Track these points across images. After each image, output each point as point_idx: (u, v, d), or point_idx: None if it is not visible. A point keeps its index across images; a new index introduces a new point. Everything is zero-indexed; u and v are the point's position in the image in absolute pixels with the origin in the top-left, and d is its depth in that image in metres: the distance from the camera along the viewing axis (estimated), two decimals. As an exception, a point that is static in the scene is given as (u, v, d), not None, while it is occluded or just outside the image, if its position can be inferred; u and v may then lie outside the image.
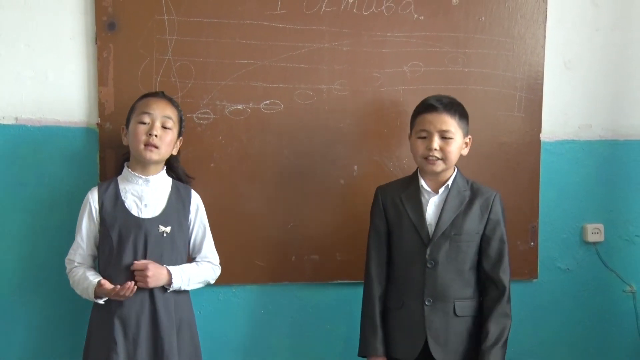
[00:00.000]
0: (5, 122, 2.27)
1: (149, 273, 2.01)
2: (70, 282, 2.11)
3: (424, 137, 2.11)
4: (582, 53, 2.57)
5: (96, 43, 2.28)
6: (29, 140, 2.28)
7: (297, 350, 2.48)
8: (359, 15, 2.40)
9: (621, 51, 2.59)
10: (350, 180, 2.42)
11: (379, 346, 2.14)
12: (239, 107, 2.36)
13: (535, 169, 2.53)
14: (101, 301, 2.02)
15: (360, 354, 2.19)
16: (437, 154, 2.09)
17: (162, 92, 2.20)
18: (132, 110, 2.14)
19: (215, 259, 2.24)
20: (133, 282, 1.98)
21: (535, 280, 2.57)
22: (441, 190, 2.14)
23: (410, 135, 2.19)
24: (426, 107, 2.13)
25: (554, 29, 2.52)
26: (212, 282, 2.23)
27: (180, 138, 2.19)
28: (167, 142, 2.10)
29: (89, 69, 2.29)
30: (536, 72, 2.51)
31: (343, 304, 2.46)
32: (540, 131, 2.53)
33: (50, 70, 2.28)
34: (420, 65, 2.44)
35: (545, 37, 2.50)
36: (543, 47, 2.50)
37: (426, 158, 2.10)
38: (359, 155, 2.43)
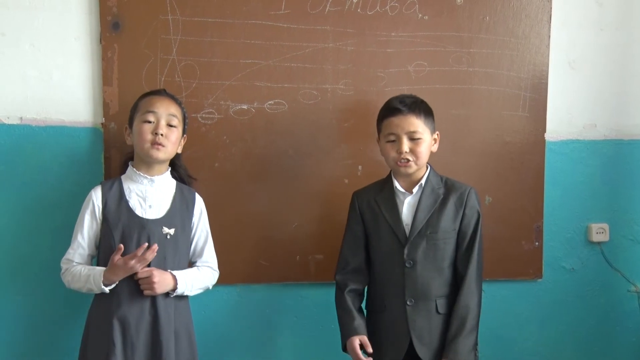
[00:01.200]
0: (10, 121, 2.27)
1: (155, 279, 1.97)
2: (69, 278, 2.04)
3: (393, 141, 2.11)
4: (587, 53, 2.56)
5: (101, 43, 2.28)
6: (33, 140, 2.28)
7: (301, 350, 2.48)
8: (363, 15, 2.40)
9: (626, 51, 2.58)
10: (354, 179, 2.41)
11: (358, 325, 2.10)
12: (243, 107, 2.36)
13: (540, 168, 2.53)
14: (107, 289, 1.97)
15: (343, 346, 2.15)
16: (409, 156, 2.09)
17: (164, 90, 2.18)
18: (135, 109, 2.12)
19: (215, 263, 2.21)
20: (156, 245, 1.95)
21: (539, 280, 2.57)
22: (415, 189, 2.14)
23: (378, 139, 2.19)
24: (391, 110, 2.12)
25: (559, 29, 2.52)
26: (211, 287, 2.21)
27: (185, 136, 2.19)
28: (173, 141, 2.09)
29: (93, 69, 2.30)
30: (541, 71, 2.50)
31: (347, 304, 2.46)
32: (544, 131, 2.52)
33: (54, 70, 2.28)
34: (424, 65, 2.44)
35: (549, 36, 2.50)
36: (547, 46, 2.50)
37: (398, 161, 2.10)
38: (363, 155, 2.43)
